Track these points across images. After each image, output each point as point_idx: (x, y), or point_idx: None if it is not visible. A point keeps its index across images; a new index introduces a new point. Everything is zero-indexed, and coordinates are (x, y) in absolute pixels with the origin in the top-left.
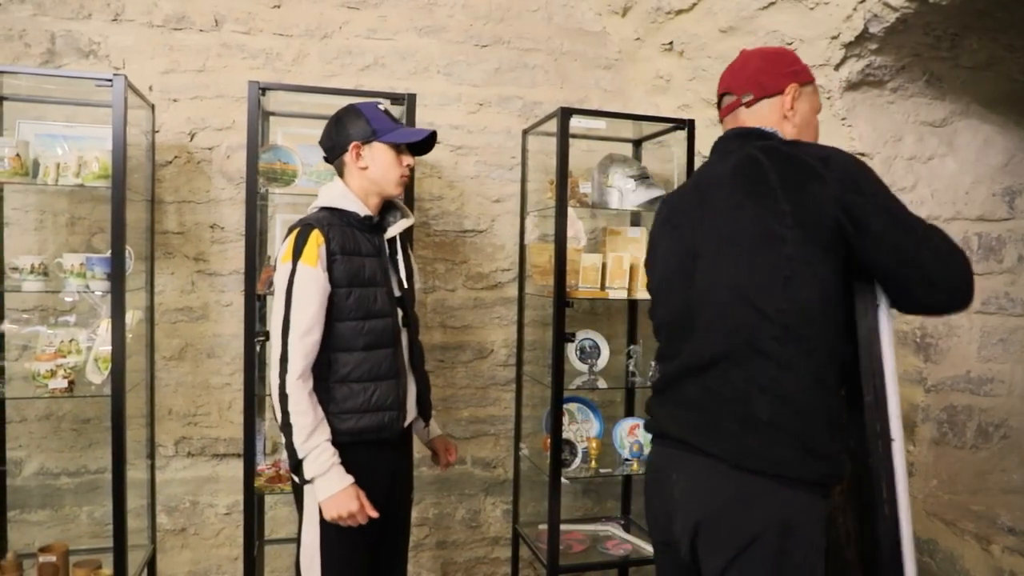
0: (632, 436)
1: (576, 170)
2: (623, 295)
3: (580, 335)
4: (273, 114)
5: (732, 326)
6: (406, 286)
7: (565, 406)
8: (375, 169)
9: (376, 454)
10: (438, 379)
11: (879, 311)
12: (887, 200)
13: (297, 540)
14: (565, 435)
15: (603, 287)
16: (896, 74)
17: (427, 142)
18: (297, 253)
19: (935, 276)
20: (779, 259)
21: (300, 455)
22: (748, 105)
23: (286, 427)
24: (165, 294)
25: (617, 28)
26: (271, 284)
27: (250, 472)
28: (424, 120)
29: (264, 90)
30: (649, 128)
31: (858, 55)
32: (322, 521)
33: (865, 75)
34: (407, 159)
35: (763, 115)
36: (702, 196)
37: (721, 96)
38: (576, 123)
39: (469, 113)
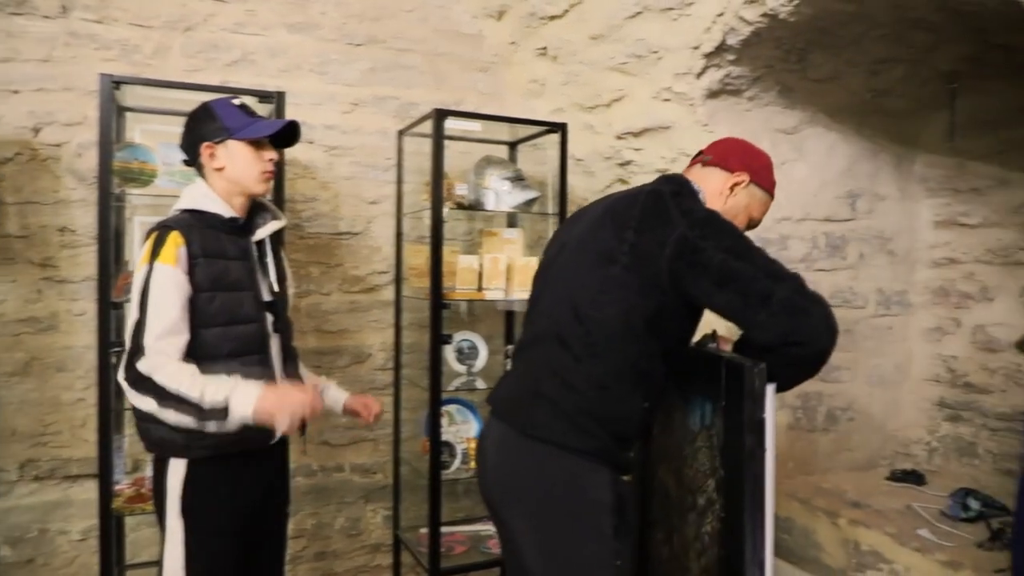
0: None
1: (452, 171)
2: (500, 296)
3: (458, 336)
4: (130, 110)
5: (554, 316)
6: (276, 289)
7: (444, 408)
8: (232, 168)
9: (247, 466)
10: None
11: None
12: (727, 260)
13: (159, 564)
14: (444, 437)
15: (480, 288)
16: (752, 84)
17: (290, 135)
18: (155, 254)
19: (772, 334)
20: (603, 276)
21: (208, 407)
22: (704, 164)
23: (171, 402)
24: (7, 304)
25: (493, 31)
26: (128, 290)
27: (106, 493)
28: (297, 118)
29: (118, 84)
30: (524, 131)
31: (718, 65)
32: (186, 540)
33: (724, 84)
34: (269, 154)
35: (707, 177)
36: (591, 210)
37: (697, 153)
38: (452, 125)
39: (343, 113)
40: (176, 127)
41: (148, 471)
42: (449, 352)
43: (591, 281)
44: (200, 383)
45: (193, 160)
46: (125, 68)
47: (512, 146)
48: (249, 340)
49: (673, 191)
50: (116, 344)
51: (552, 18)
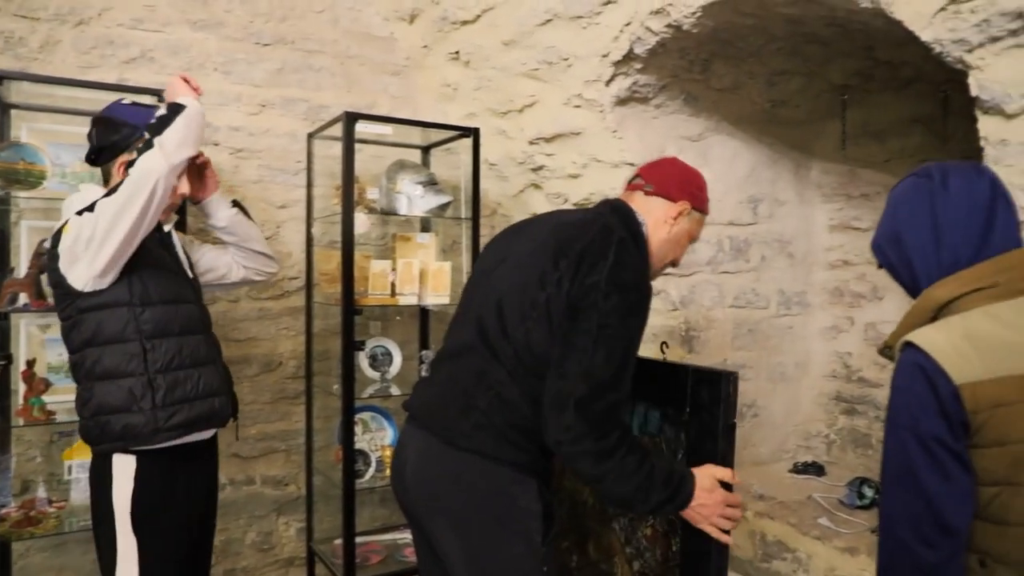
0: None
1: (364, 175)
2: (414, 301)
3: (371, 343)
4: (15, 107)
5: (486, 329)
6: (191, 275)
7: (358, 415)
8: None
9: (194, 462)
10: None
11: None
12: (618, 327)
13: None
14: (358, 445)
15: (393, 293)
16: (659, 92)
17: None
18: None
19: (550, 428)
20: (533, 301)
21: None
22: (647, 193)
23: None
24: None
25: (405, 35)
26: (14, 300)
27: None
28: None
29: (1, 79)
30: (437, 135)
31: (625, 73)
32: (140, 557)
33: (632, 92)
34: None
35: (651, 208)
36: (533, 230)
37: (635, 176)
38: (363, 128)
39: (250, 115)
40: (68, 126)
41: (40, 492)
42: (362, 359)
43: (522, 303)
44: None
45: (102, 163)
46: (9, 62)
47: (425, 150)
48: (193, 320)
49: (621, 238)
50: (4, 357)
51: (464, 23)
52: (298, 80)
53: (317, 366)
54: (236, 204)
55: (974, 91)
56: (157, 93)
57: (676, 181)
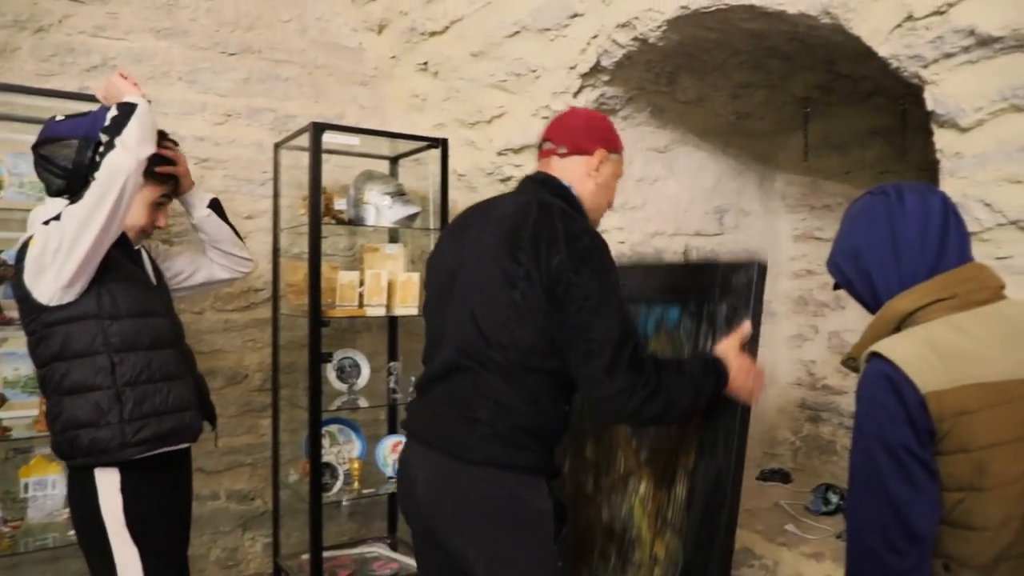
0: (395, 453)
1: (332, 186)
2: (382, 312)
3: (339, 354)
4: None
5: (466, 345)
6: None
7: (325, 428)
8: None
9: (175, 470)
10: None
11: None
12: (602, 291)
13: None
14: (326, 458)
15: (361, 305)
16: (626, 104)
17: None
18: None
19: (589, 387)
20: (508, 301)
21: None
22: (562, 156)
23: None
24: None
25: (374, 45)
26: None
27: None
28: (164, 129)
29: None
30: (405, 145)
31: (593, 85)
32: (144, 565)
33: (600, 103)
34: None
35: (570, 168)
36: (480, 226)
37: (543, 141)
38: (331, 138)
39: (216, 124)
40: (26, 135)
41: None
42: (330, 371)
43: (496, 307)
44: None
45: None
46: None
47: (393, 161)
48: (163, 333)
49: (561, 209)
50: None
51: (433, 34)
52: (265, 90)
53: (284, 378)
54: (213, 204)
55: (930, 105)
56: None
57: (584, 133)
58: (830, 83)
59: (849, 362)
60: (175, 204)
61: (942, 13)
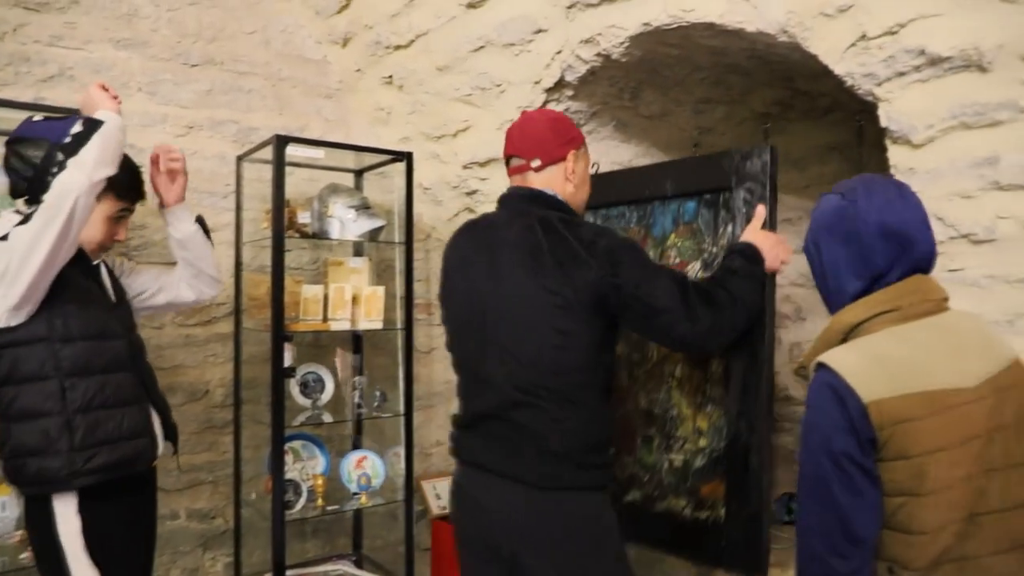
0: (360, 469)
1: (296, 199)
2: (347, 326)
3: (302, 369)
4: None
5: (520, 381)
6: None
7: (289, 444)
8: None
9: (135, 494)
10: None
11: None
12: (643, 270)
13: None
14: (289, 475)
15: (325, 319)
16: (590, 118)
17: None
18: None
19: (702, 328)
20: (550, 330)
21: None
22: (537, 170)
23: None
24: None
25: (338, 58)
26: None
27: None
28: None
29: None
30: (371, 159)
31: (557, 99)
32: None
33: None
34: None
35: (549, 178)
36: (493, 256)
37: (509, 157)
38: (295, 151)
39: (177, 136)
40: None
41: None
42: (293, 386)
43: (542, 337)
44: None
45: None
46: None
47: (358, 174)
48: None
49: (561, 219)
50: None
51: (398, 47)
52: (228, 101)
53: (246, 394)
54: (199, 220)
55: (883, 122)
56: (74, 112)
57: (551, 141)
58: (789, 99)
59: (801, 371)
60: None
61: (894, 33)
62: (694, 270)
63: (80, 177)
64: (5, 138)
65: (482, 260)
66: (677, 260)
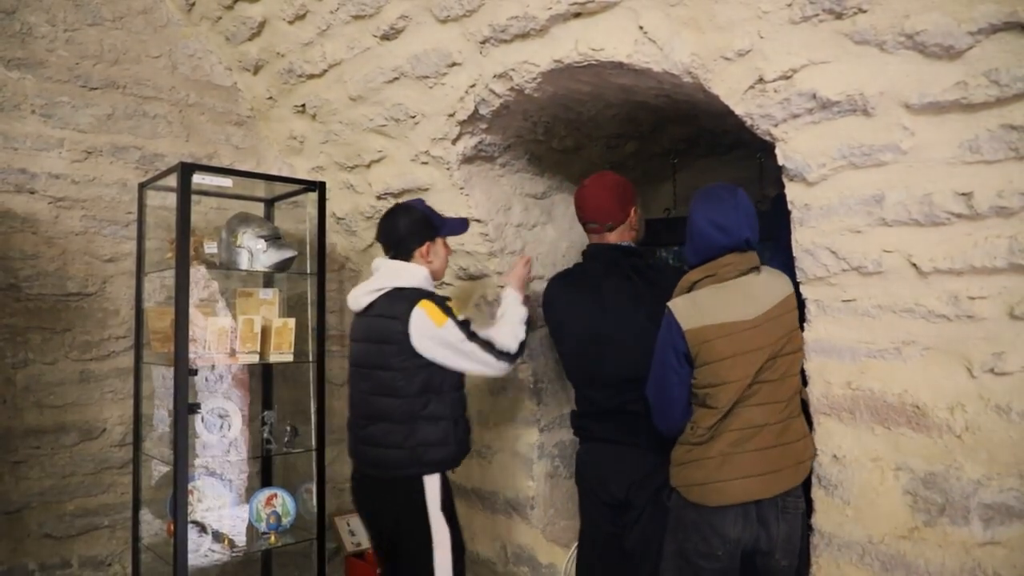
0: (270, 507)
1: (204, 228)
2: (255, 359)
3: (208, 404)
4: None
5: (627, 383)
6: None
7: (193, 483)
8: None
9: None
10: (32, 470)
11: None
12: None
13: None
14: (194, 516)
15: (233, 352)
16: (504, 151)
17: None
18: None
19: None
20: (647, 349)
21: None
22: (611, 230)
23: None
24: None
25: (249, 85)
26: None
27: None
28: (14, 166)
29: None
30: (282, 188)
31: (471, 132)
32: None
33: (478, 150)
34: None
35: (622, 233)
36: (603, 298)
37: (587, 222)
38: (201, 180)
39: (74, 161)
40: None
41: None
42: (198, 422)
43: (642, 353)
44: None
45: None
46: None
47: (269, 203)
48: None
49: (640, 264)
50: None
51: (311, 76)
52: (130, 127)
53: (147, 431)
54: None
55: (781, 160)
56: None
57: (619, 208)
58: (696, 136)
59: None
60: None
61: (788, 78)
62: None
63: None
64: None
65: (591, 301)
66: None
